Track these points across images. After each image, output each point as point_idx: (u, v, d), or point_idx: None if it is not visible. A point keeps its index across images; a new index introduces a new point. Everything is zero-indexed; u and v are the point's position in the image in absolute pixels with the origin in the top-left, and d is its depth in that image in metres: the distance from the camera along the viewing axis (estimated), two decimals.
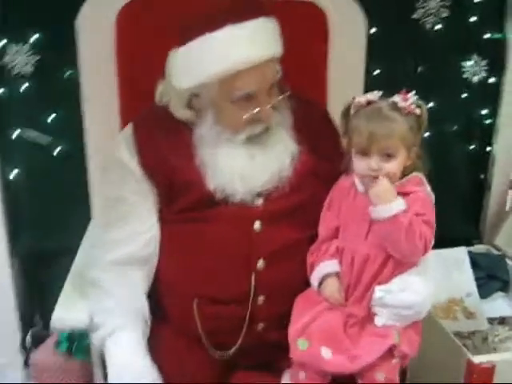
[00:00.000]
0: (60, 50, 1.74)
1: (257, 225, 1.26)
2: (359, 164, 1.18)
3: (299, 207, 1.29)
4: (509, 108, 2.14)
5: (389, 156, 1.16)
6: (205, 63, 1.19)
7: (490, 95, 2.14)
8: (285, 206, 1.28)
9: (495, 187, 2.23)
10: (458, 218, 2.26)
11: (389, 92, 1.92)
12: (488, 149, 2.21)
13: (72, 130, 1.77)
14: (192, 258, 1.28)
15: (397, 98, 1.19)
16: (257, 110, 1.22)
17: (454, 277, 1.95)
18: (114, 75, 1.61)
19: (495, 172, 2.21)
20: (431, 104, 2.05)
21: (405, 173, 1.20)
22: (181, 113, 1.30)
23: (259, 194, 1.27)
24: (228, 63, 1.17)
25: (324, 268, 1.23)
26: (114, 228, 1.31)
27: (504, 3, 2.04)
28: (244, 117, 1.22)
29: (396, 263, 1.18)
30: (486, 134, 2.20)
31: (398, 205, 1.13)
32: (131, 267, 1.28)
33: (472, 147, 2.22)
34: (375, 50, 1.83)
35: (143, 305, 1.29)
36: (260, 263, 1.25)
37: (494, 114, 2.16)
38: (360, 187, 1.22)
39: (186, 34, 1.21)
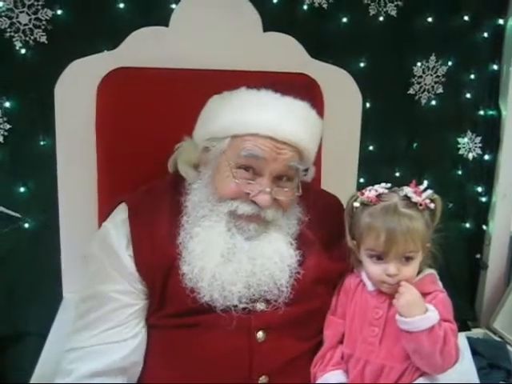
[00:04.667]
0: (34, 118, 1.63)
1: (260, 335, 1.10)
2: (373, 268, 1.06)
3: (307, 316, 1.14)
4: (504, 185, 2.09)
5: (407, 259, 1.04)
6: (227, 116, 1.13)
7: (485, 172, 2.11)
8: (292, 314, 1.12)
9: (491, 267, 2.15)
10: (453, 299, 2.14)
11: (383, 168, 1.94)
12: (483, 227, 2.15)
13: (44, 203, 1.66)
14: (183, 372, 1.11)
15: (409, 192, 1.06)
16: (254, 182, 1.10)
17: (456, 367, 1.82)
18: (92, 145, 1.50)
19: (491, 251, 2.14)
20: (425, 181, 1.99)
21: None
22: (187, 171, 1.22)
23: (261, 299, 1.11)
24: (248, 123, 1.11)
25: (327, 380, 1.08)
26: (92, 331, 1.11)
27: (498, 80, 2.03)
28: (236, 181, 1.10)
29: (415, 370, 1.05)
30: (482, 212, 2.14)
31: (434, 314, 1.00)
32: (110, 377, 1.10)
33: (467, 225, 2.15)
34: (369, 125, 1.78)
35: None
36: (262, 380, 1.09)
37: (489, 191, 2.12)
38: (370, 286, 1.09)
39: None
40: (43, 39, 1.60)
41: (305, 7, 1.78)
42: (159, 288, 1.12)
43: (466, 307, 2.20)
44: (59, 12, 1.59)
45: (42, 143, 1.66)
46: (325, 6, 1.78)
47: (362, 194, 1.10)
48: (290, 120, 1.12)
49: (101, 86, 1.46)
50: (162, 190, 1.23)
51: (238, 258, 1.11)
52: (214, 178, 1.15)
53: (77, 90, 1.48)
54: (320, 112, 1.58)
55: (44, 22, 1.59)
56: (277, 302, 1.11)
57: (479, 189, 2.11)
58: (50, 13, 1.58)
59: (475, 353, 1.90)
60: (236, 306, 1.09)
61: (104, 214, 1.36)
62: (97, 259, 1.17)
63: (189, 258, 1.11)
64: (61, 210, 1.57)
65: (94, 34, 1.61)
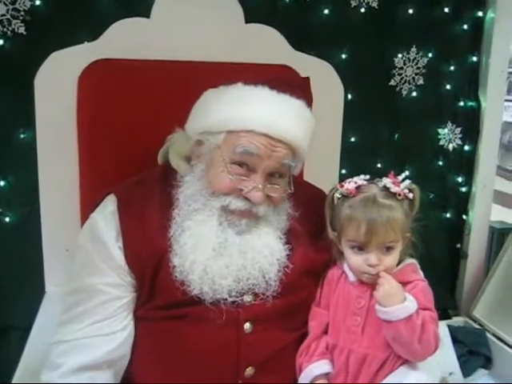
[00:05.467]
0: (14, 111, 1.60)
1: (247, 326, 1.11)
2: (355, 259, 1.07)
3: (293, 308, 1.16)
4: (484, 176, 2.12)
5: (388, 249, 1.05)
6: (223, 111, 1.12)
7: (466, 163, 2.13)
8: (279, 306, 1.13)
9: (471, 257, 2.18)
10: (434, 288, 2.16)
11: (365, 159, 1.96)
12: (464, 217, 2.18)
13: (25, 196, 1.63)
14: (171, 363, 1.11)
15: (388, 183, 1.08)
16: (247, 178, 1.10)
17: (436, 354, 1.85)
18: (74, 137, 1.49)
19: (471, 241, 2.17)
20: (407, 172, 2.01)
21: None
22: (178, 163, 1.21)
23: (249, 292, 1.12)
24: (245, 119, 1.10)
25: (313, 370, 1.09)
26: (80, 325, 1.10)
27: (477, 72, 2.06)
28: (230, 177, 1.10)
29: (397, 358, 1.07)
30: (462, 202, 2.17)
31: (412, 304, 1.02)
32: (98, 371, 1.10)
33: (448, 215, 2.18)
34: (351, 117, 1.79)
35: None
36: (249, 371, 1.10)
37: (469, 181, 2.14)
38: (351, 277, 1.11)
39: None
40: (22, 30, 1.56)
41: None
42: (149, 280, 1.12)
43: (447, 296, 2.22)
44: (38, 2, 1.56)
45: (22, 136, 1.63)
46: None
47: (342, 186, 1.12)
48: (286, 118, 1.12)
49: (81, 78, 1.45)
50: (151, 182, 1.22)
51: (229, 252, 1.11)
52: (207, 172, 1.14)
53: (57, 81, 1.47)
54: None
55: (22, 13, 1.56)
56: (264, 295, 1.11)
57: (459, 179, 2.14)
58: (28, 3, 1.55)
59: (456, 341, 1.94)
60: (225, 299, 1.09)
61: (86, 206, 1.35)
62: (85, 251, 1.16)
63: (180, 251, 1.11)
64: (42, 203, 1.56)
65: (74, 25, 1.58)
